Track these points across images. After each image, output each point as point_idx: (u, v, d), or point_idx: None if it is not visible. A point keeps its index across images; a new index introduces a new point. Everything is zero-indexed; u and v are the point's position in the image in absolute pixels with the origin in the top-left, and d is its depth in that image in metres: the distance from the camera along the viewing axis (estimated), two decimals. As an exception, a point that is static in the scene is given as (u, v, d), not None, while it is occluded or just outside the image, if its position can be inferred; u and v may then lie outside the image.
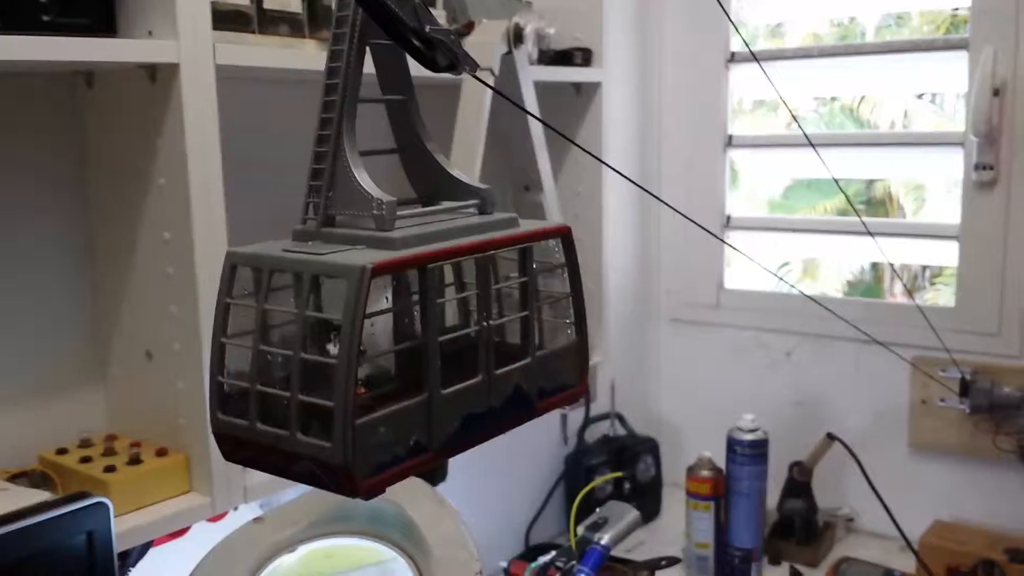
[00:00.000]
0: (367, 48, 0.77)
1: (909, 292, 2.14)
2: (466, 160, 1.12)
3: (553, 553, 1.40)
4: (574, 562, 1.37)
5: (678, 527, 1.86)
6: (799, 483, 1.86)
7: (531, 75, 1.40)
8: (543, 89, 1.56)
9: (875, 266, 7.87)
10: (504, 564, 1.67)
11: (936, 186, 7.78)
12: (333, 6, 0.78)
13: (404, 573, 0.95)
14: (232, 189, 1.10)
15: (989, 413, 1.77)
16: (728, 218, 2.14)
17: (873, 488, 1.66)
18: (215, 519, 1.28)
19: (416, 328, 0.76)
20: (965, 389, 1.77)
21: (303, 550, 0.97)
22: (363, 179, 0.75)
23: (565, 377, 0.86)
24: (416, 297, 0.74)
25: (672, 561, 1.74)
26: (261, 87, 1.37)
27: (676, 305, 2.20)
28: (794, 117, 1.71)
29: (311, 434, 0.66)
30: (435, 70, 0.72)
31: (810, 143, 1.75)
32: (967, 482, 1.86)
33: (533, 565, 1.38)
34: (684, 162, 2.14)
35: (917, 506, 1.84)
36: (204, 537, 1.15)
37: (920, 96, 8.19)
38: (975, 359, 1.80)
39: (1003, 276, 1.77)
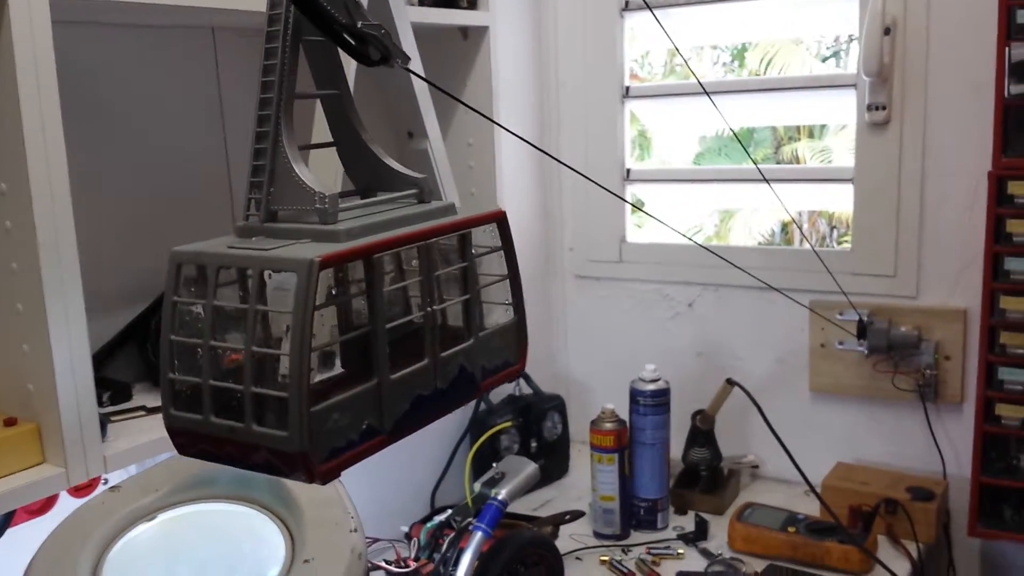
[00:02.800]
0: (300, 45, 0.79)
1: (804, 236, 2.15)
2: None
3: (449, 511, 1.35)
4: (471, 519, 1.32)
5: (586, 484, 1.83)
6: (702, 431, 1.85)
7: (408, 15, 1.33)
8: (427, 33, 1.50)
9: (785, 229, 8.03)
10: (406, 528, 1.62)
11: (840, 148, 7.95)
12: (265, 5, 0.79)
13: (273, 536, 0.89)
14: (76, 139, 1.02)
15: (887, 353, 1.78)
16: (628, 171, 2.11)
17: (775, 433, 1.65)
18: (81, 494, 1.20)
19: (360, 315, 0.78)
20: (863, 331, 1.78)
21: (163, 517, 0.90)
22: (304, 174, 0.76)
23: (505, 355, 0.91)
24: (356, 286, 0.76)
25: (576, 515, 1.72)
26: (111, 32, 1.28)
27: (580, 261, 2.17)
28: (685, 62, 1.68)
29: (266, 424, 0.69)
30: (368, 64, 0.75)
31: (705, 91, 1.72)
32: (868, 423, 1.87)
33: (428, 525, 1.34)
34: (583, 113, 2.10)
35: (819, 449, 1.85)
36: (70, 514, 1.07)
37: (824, 60, 8.35)
38: (873, 301, 1.81)
39: (898, 216, 1.77)
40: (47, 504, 1.18)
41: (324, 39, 0.76)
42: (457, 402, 0.84)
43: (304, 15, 0.72)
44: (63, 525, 0.88)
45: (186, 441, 0.74)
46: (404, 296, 0.83)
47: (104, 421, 1.06)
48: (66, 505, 1.17)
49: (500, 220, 0.85)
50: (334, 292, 0.79)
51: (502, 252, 0.86)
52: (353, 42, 0.74)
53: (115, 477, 1.12)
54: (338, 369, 0.78)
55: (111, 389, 1.18)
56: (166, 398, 0.73)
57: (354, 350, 0.76)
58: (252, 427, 0.69)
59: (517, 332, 0.91)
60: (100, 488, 1.18)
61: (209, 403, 0.71)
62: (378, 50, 0.75)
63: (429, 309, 0.80)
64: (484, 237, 0.87)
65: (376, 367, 0.73)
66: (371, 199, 0.82)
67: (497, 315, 0.90)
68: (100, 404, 1.07)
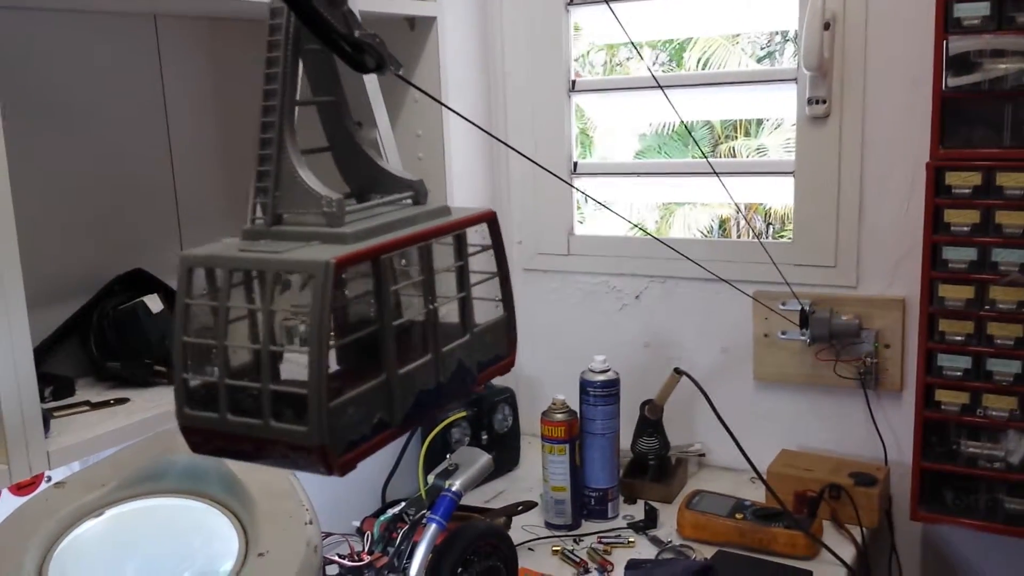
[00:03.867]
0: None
1: (751, 228, 2.18)
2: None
3: (402, 504, 1.34)
4: (425, 511, 1.31)
5: (536, 475, 1.84)
6: (651, 421, 1.86)
7: (356, 3, 1.32)
8: (374, 21, 1.48)
9: (722, 225, 8.15)
10: (357, 523, 1.60)
11: (775, 145, 8.12)
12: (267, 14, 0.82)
13: (225, 530, 0.87)
14: (14, 130, 0.98)
15: (829, 342, 1.81)
16: (575, 164, 2.12)
17: (722, 422, 1.67)
18: (24, 492, 1.16)
19: (356, 314, 0.81)
20: (805, 320, 1.81)
21: (110, 514, 0.88)
22: (309, 178, 0.79)
23: (497, 349, 0.94)
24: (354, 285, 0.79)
25: (529, 506, 1.72)
26: (49, 19, 1.24)
27: (528, 254, 2.17)
28: (638, 52, 1.69)
29: (284, 420, 0.71)
30: (364, 71, 0.79)
31: (657, 83, 1.73)
32: (811, 411, 1.91)
33: (381, 518, 1.33)
34: (530, 106, 2.10)
35: (764, 437, 1.88)
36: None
37: (760, 60, 8.50)
38: (814, 291, 1.84)
39: (838, 208, 1.81)
40: (-19, 500, 1.15)
41: (322, 48, 0.78)
42: (456, 395, 0.88)
43: (305, 25, 0.75)
44: (6, 523, 0.85)
45: (201, 439, 0.75)
46: (396, 294, 0.85)
47: (47, 416, 1.03)
48: (8, 503, 1.13)
49: (491, 220, 0.90)
50: (347, 292, 0.81)
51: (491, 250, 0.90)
52: (350, 51, 0.76)
53: (58, 474, 1.09)
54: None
55: (53, 384, 1.15)
56: (180, 398, 0.75)
57: (350, 347, 0.79)
58: (270, 423, 0.71)
59: (507, 327, 0.95)
60: (43, 485, 1.14)
61: (225, 402, 0.73)
62: (373, 58, 0.77)
63: (431, 307, 0.83)
64: (474, 236, 0.89)
65: (385, 363, 0.76)
66: (372, 202, 0.85)
67: (485, 310, 0.92)
68: (42, 399, 1.04)
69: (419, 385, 0.81)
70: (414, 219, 0.83)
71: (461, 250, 0.87)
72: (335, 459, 0.70)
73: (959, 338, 1.58)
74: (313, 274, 0.69)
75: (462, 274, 0.87)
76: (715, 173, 1.77)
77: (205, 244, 0.78)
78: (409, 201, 0.87)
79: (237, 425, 0.73)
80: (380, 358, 0.77)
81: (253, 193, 0.79)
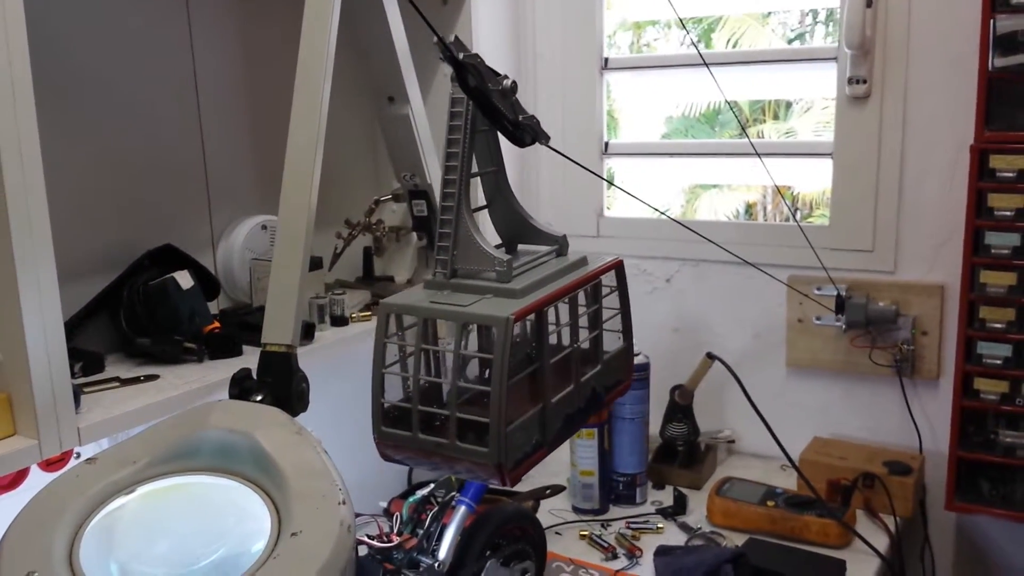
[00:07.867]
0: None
1: (787, 208, 2.14)
2: (313, 67, 1.02)
3: (432, 486, 1.33)
4: (454, 493, 1.30)
5: (565, 459, 1.81)
6: (681, 406, 1.84)
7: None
8: (406, -2, 1.46)
9: (749, 209, 8.06)
10: (385, 504, 1.59)
11: (805, 129, 8.02)
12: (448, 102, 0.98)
13: (258, 509, 0.86)
14: (46, 105, 0.97)
15: (865, 328, 1.78)
16: (606, 144, 2.09)
17: (755, 408, 1.65)
18: (54, 467, 1.16)
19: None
20: (841, 306, 1.77)
21: (142, 490, 0.86)
22: (483, 241, 0.96)
23: (619, 375, 1.11)
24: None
25: (557, 489, 1.71)
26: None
27: (557, 236, 2.14)
28: (683, 26, 1.65)
29: (467, 441, 0.89)
30: (523, 146, 0.97)
31: (702, 59, 1.70)
32: (844, 398, 1.87)
33: (411, 500, 1.31)
34: (560, 85, 2.07)
35: (796, 424, 1.85)
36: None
37: (790, 41, 8.37)
38: (850, 276, 1.80)
39: (876, 191, 1.77)
40: (18, 478, 1.14)
41: (490, 128, 0.97)
42: (588, 416, 1.03)
43: (483, 113, 0.92)
44: (36, 499, 0.83)
45: (393, 451, 0.93)
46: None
47: (77, 392, 1.02)
48: (37, 480, 1.13)
49: (619, 267, 1.07)
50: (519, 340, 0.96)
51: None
52: (514, 131, 0.94)
53: (87, 451, 1.08)
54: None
55: (83, 359, 1.14)
56: (376, 419, 0.93)
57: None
58: (456, 444, 0.87)
59: (627, 355, 1.11)
60: (73, 462, 1.14)
61: (417, 423, 0.90)
62: (530, 136, 0.95)
63: (576, 345, 0.99)
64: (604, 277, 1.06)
65: (543, 395, 0.92)
66: (528, 258, 1.02)
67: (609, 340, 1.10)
68: (72, 375, 1.03)
69: (566, 410, 0.96)
70: (562, 272, 0.99)
71: (596, 294, 1.03)
72: (508, 473, 0.87)
73: (1000, 326, 1.55)
74: (496, 326, 0.84)
75: (596, 314, 1.03)
76: (757, 154, 1.74)
77: (398, 292, 0.99)
78: (554, 254, 1.04)
79: (427, 443, 0.89)
80: (537, 388, 0.92)
81: (436, 251, 0.96)
